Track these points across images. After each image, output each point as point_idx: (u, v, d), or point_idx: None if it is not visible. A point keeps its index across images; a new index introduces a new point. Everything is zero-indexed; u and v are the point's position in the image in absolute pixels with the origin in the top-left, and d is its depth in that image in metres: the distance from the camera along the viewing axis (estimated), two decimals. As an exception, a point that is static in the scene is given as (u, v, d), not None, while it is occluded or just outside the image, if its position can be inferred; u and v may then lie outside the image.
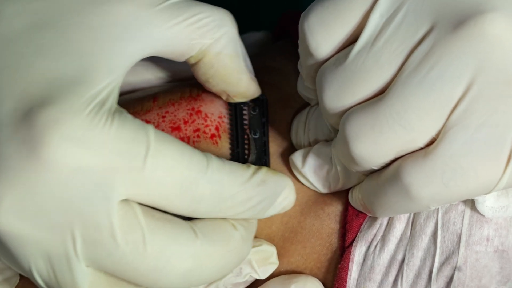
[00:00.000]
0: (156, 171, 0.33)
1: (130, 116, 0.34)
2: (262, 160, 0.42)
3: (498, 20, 0.30)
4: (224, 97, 0.41)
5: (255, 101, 0.42)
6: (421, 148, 0.33)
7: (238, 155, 0.41)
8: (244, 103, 0.42)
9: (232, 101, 0.41)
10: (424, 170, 0.32)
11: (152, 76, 0.46)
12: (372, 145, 0.33)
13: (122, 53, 0.34)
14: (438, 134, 0.32)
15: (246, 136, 0.42)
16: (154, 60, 0.48)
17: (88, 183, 0.32)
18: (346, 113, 0.34)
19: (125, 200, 0.33)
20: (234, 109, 0.42)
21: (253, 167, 0.37)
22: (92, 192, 0.32)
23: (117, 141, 0.32)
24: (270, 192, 0.37)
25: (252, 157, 0.42)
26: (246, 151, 0.42)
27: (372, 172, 0.36)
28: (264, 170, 0.37)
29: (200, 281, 0.35)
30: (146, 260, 0.33)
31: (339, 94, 0.34)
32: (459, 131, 0.31)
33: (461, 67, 0.31)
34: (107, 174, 0.32)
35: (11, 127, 0.31)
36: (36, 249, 0.32)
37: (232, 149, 0.42)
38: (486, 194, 0.33)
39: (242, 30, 0.56)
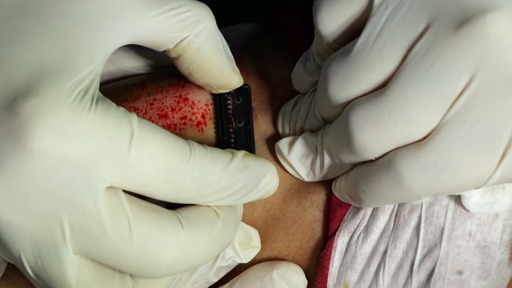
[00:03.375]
0: (139, 159, 0.33)
1: (113, 104, 0.34)
2: (247, 148, 0.42)
3: (500, 20, 0.30)
4: (207, 89, 0.42)
5: (238, 91, 0.43)
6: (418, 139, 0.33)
7: (223, 144, 0.42)
8: (227, 93, 0.42)
9: (216, 92, 0.42)
10: (417, 161, 0.33)
11: (141, 63, 0.46)
12: (376, 137, 0.33)
13: (103, 41, 0.34)
14: (436, 127, 0.32)
15: (231, 125, 0.42)
16: (143, 47, 0.47)
17: (73, 171, 0.32)
18: (349, 105, 0.35)
19: (112, 189, 0.33)
20: (218, 98, 0.42)
21: (234, 152, 0.37)
22: (77, 180, 0.32)
23: (101, 129, 0.32)
24: (252, 178, 0.37)
25: (238, 145, 0.42)
26: (232, 140, 0.42)
27: (365, 162, 0.36)
28: (246, 155, 0.38)
29: (185, 268, 0.35)
30: (132, 248, 0.33)
31: (343, 84, 0.35)
32: (455, 125, 0.32)
33: (463, 64, 0.31)
34: (91, 162, 0.32)
35: None
36: (25, 237, 0.32)
37: (217, 137, 0.42)
38: (476, 188, 0.33)
39: (235, 21, 0.56)
